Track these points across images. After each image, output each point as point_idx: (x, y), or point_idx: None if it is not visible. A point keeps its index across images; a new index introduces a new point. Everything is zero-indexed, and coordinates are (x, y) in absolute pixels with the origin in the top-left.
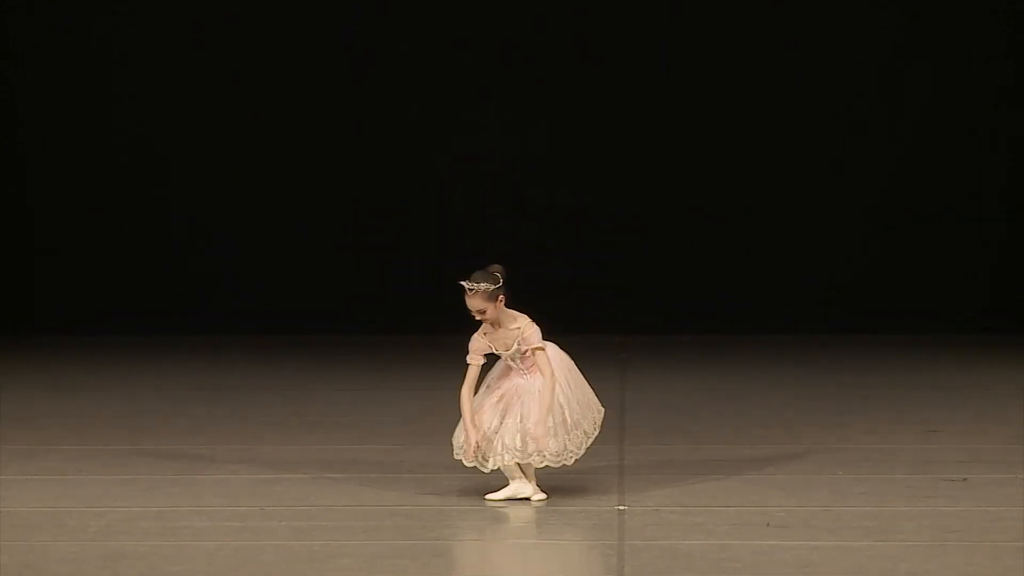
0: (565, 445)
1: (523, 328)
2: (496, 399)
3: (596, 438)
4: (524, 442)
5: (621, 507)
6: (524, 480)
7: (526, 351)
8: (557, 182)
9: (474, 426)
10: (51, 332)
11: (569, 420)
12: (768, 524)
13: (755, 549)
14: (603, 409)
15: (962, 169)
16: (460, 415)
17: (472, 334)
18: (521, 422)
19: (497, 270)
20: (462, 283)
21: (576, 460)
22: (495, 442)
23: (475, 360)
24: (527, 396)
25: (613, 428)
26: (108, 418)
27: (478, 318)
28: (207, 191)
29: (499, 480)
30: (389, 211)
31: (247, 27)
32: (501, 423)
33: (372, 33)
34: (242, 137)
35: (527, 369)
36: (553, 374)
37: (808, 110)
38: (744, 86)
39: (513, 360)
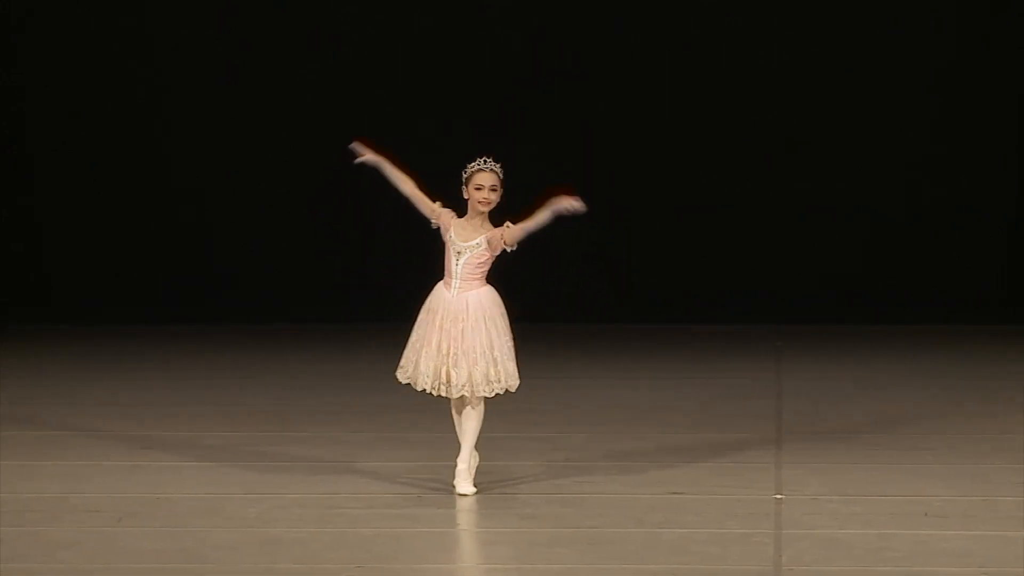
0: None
1: (499, 229)
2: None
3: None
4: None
5: (779, 496)
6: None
7: (483, 252)
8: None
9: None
10: (90, 322)
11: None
12: (926, 514)
13: (913, 539)
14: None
15: None
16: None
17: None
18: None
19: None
20: (486, 159)
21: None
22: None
23: (432, 206)
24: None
25: (770, 417)
26: (256, 406)
27: (488, 197)
28: (217, 183)
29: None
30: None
31: (251, 24)
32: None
33: (372, 34)
34: (249, 129)
35: (469, 274)
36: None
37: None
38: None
39: (460, 255)
